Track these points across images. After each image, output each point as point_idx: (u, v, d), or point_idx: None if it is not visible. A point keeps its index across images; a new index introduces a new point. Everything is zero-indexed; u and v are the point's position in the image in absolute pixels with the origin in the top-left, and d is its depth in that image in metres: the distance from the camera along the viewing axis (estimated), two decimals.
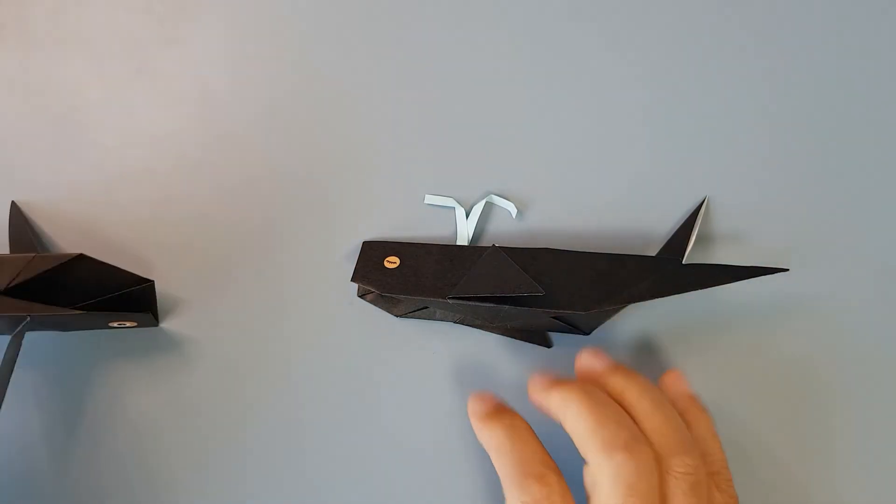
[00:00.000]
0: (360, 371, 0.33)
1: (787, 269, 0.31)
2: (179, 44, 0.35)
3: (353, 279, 0.32)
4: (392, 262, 0.32)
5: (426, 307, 0.33)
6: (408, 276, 0.32)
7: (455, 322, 0.33)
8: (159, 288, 0.33)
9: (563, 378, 0.30)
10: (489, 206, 0.34)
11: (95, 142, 0.35)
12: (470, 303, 0.30)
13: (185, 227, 0.34)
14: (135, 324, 0.32)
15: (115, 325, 0.32)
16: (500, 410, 0.29)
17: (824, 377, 0.33)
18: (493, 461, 0.28)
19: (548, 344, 0.33)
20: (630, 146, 0.35)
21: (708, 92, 0.35)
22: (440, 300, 0.31)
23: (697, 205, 0.34)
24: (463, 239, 0.33)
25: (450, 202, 0.34)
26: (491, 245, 0.32)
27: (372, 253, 0.33)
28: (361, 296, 0.33)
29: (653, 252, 0.33)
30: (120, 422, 0.32)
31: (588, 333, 0.33)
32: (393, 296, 0.31)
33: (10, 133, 0.35)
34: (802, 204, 0.34)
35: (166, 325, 0.33)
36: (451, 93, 0.35)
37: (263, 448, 0.32)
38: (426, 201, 0.34)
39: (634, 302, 0.30)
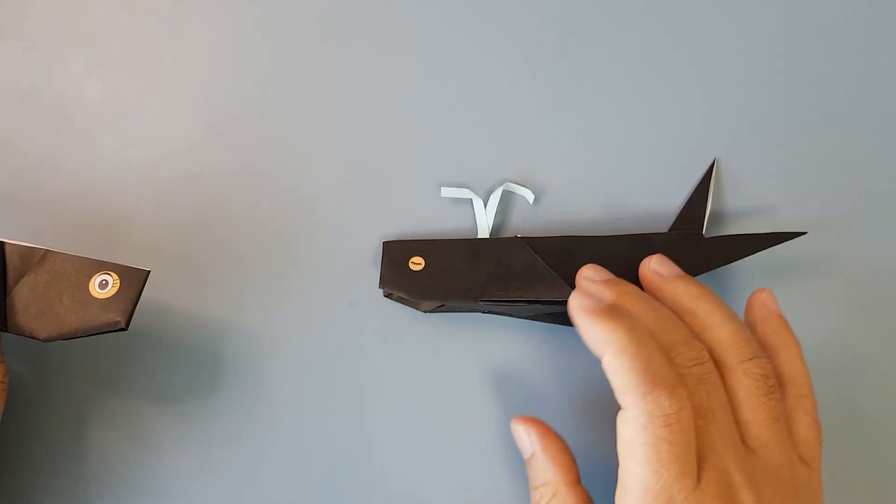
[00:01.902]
0: (388, 372, 0.32)
1: (805, 233, 0.31)
2: (179, 44, 0.35)
3: (380, 285, 0.31)
4: (417, 263, 0.31)
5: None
6: (435, 278, 0.31)
7: (483, 312, 0.32)
8: (159, 290, 0.31)
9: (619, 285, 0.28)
10: (506, 195, 0.33)
11: (95, 142, 0.34)
12: (501, 304, 0.30)
13: (186, 228, 0.33)
14: (118, 283, 0.28)
15: (98, 290, 0.28)
16: (617, 308, 0.26)
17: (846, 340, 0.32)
18: (608, 365, 0.24)
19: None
20: (644, 124, 0.34)
21: (718, 68, 0.35)
22: (471, 302, 0.30)
23: (707, 171, 0.33)
24: (484, 230, 0.32)
25: (466, 193, 0.33)
26: (514, 236, 0.31)
27: (395, 254, 0.31)
28: (387, 295, 0.32)
29: (668, 224, 0.32)
30: (124, 427, 0.31)
31: None
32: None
33: (10, 133, 0.34)
34: (815, 168, 0.34)
35: (169, 327, 0.32)
36: (460, 81, 0.34)
37: (273, 452, 0.31)
38: (443, 194, 0.33)
39: None
